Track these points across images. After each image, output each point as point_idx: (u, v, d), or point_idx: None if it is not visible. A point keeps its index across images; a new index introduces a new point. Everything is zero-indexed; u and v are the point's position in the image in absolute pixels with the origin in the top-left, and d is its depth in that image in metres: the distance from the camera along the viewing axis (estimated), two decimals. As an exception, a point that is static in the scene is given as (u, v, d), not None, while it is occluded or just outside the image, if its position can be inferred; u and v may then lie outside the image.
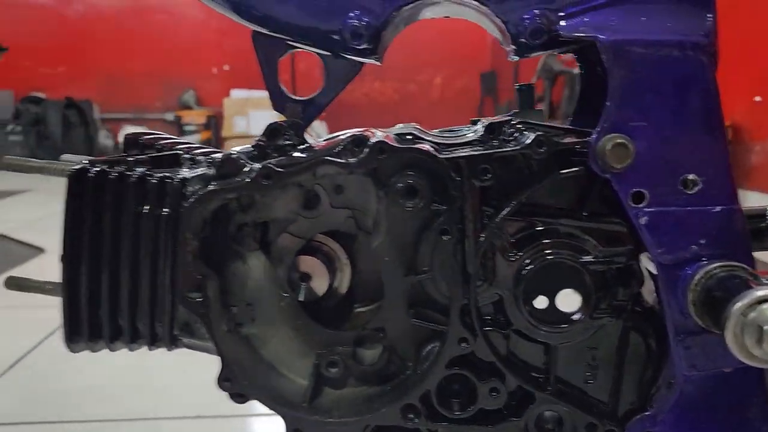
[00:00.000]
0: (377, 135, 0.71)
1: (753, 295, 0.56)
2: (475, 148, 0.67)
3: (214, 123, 5.78)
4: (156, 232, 0.69)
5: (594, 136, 0.64)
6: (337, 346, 0.75)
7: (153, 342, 0.72)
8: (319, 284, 0.76)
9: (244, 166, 0.68)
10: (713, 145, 0.65)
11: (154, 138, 0.79)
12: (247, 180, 0.66)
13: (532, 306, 0.67)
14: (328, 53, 0.77)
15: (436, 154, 0.65)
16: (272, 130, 0.72)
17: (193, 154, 0.74)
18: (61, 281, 0.70)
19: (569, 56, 0.78)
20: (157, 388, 1.54)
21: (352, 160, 0.66)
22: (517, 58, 0.72)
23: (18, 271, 2.42)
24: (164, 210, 0.69)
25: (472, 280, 0.66)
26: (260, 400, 0.70)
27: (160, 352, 0.75)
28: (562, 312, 0.67)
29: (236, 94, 5.74)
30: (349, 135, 0.67)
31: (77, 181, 0.69)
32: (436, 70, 7.08)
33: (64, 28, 6.37)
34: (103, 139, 6.10)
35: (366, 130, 0.71)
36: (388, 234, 0.72)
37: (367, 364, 0.74)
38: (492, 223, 0.65)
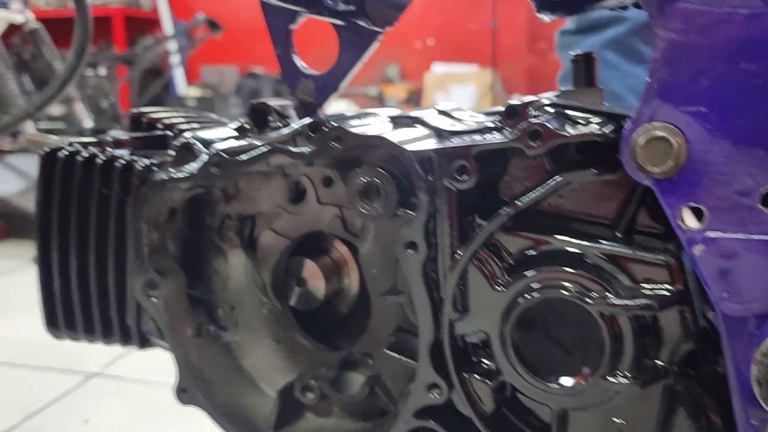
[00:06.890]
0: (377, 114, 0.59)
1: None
2: (471, 138, 0.51)
3: (416, 98, 5.77)
4: (120, 219, 0.63)
5: (629, 125, 0.45)
6: (322, 367, 0.63)
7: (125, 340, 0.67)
8: (317, 290, 0.66)
9: (201, 153, 0.58)
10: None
11: (160, 117, 0.73)
12: (198, 168, 0.57)
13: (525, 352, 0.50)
14: (341, 22, 0.66)
15: (400, 145, 0.50)
16: (257, 111, 0.62)
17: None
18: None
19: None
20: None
21: (306, 149, 0.53)
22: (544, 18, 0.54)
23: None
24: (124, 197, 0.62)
25: (444, 310, 0.51)
26: (215, 420, 0.62)
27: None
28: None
29: (437, 68, 5.66)
30: (309, 120, 0.54)
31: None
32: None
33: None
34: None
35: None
36: (375, 241, 0.58)
37: (349, 394, 0.62)
38: (474, 236, 0.49)
